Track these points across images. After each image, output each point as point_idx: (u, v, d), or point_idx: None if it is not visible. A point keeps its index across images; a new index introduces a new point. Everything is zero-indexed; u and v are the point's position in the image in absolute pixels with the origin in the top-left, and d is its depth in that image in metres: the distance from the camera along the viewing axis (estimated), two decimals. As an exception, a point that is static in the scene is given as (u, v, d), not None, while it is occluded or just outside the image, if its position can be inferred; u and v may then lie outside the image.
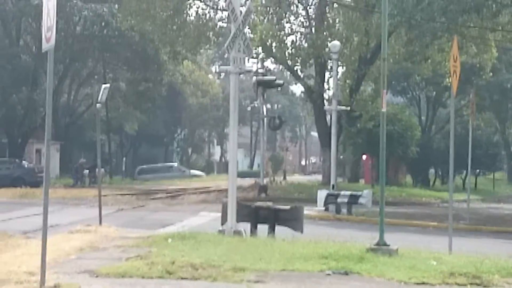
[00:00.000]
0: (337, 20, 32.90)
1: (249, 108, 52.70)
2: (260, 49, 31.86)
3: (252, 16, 24.01)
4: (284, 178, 41.78)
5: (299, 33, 34.34)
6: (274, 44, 32.70)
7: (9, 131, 37.62)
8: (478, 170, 39.92)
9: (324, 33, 31.53)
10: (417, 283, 7.67)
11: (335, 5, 32.16)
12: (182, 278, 7.53)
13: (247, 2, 22.89)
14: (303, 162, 75.66)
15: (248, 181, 31.37)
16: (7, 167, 35.79)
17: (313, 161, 74.25)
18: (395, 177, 36.07)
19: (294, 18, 34.26)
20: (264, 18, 31.83)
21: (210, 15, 33.40)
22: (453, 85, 11.94)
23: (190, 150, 60.49)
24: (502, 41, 30.39)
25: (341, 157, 35.68)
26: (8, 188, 30.80)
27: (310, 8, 34.71)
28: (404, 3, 22.64)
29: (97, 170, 24.24)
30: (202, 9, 33.19)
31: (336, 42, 26.85)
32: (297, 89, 53.88)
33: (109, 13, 35.99)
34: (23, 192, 29.25)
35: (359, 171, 37.10)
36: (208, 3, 33.35)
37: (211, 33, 32.81)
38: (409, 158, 35.07)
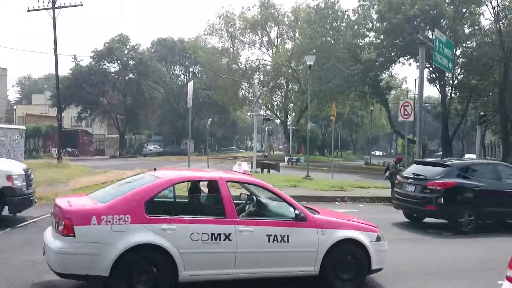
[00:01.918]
0: (292, 97, 54.16)
1: (261, 128, 68.09)
2: (264, 107, 52.40)
3: (261, 95, 41.85)
4: (273, 153, 57.72)
5: (278, 101, 57.53)
6: (269, 105, 54.57)
7: (175, 136, 68.44)
8: (342, 149, 63.89)
9: (288, 101, 54.08)
10: (320, 189, 13.35)
11: (291, 91, 54.89)
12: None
13: (259, 91, 35.23)
14: (279, 147, 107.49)
15: (260, 154, 38.37)
16: (175, 148, 61.99)
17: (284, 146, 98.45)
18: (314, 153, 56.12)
19: (276, 96, 57.04)
20: (265, 96, 50.85)
21: (247, 94, 58.12)
22: (333, 119, 24.25)
23: (239, 142, 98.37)
24: (352, 103, 50.61)
25: (295, 145, 54.63)
26: (175, 156, 48.83)
27: (282, 93, 56.55)
28: (315, 91, 35.61)
29: (208, 149, 42.50)
30: (244, 91, 58.76)
31: (291, 104, 52.05)
32: (277, 121, 68.76)
33: (211, 95, 59.24)
34: (179, 158, 42.83)
35: (300, 150, 53.79)
36: (246, 90, 57.65)
37: (247, 101, 56.27)
38: (317, 146, 62.65)
